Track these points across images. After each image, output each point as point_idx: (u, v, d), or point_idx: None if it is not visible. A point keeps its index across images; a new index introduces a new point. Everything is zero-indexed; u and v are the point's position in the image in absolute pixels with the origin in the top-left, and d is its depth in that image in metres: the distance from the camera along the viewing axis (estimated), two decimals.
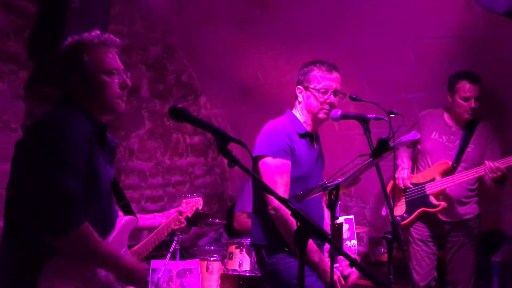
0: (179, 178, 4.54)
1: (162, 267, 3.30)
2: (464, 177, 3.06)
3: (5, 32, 3.30)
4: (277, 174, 2.25)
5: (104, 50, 1.78)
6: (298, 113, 2.44)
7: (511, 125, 3.49)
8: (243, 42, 4.11)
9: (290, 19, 3.80)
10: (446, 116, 3.28)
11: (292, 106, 2.49)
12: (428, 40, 3.46)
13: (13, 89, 3.33)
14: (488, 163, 2.92)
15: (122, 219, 1.87)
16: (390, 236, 1.98)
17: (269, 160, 2.27)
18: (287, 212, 2.16)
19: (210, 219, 3.84)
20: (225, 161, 1.58)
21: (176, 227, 2.34)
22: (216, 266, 3.56)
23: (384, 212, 3.37)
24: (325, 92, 2.36)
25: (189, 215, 2.57)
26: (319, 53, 3.86)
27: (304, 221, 1.55)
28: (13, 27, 3.33)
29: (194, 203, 2.66)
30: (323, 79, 2.37)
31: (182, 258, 3.57)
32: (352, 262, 1.55)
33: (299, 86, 2.43)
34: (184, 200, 2.63)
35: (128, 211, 1.94)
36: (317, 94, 2.36)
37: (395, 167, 3.40)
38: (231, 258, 3.38)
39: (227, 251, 3.46)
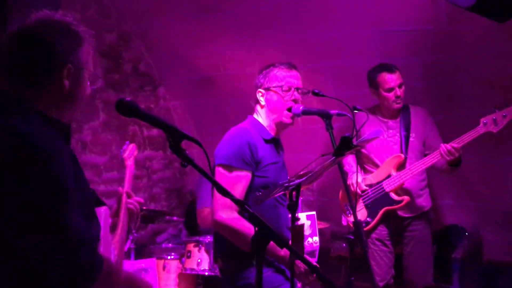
0: (136, 172, 4.36)
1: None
2: (422, 165, 3.03)
3: None
4: (228, 185, 2.10)
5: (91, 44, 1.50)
6: (261, 118, 2.33)
7: (465, 121, 3.51)
8: (203, 31, 3.96)
9: (252, 8, 3.68)
10: (378, 113, 3.25)
11: (252, 111, 2.37)
12: (393, 33, 3.42)
13: None
14: (444, 146, 2.89)
15: (99, 212, 1.68)
16: (352, 237, 1.90)
17: (223, 170, 2.16)
18: (230, 220, 2.08)
19: (168, 217, 3.69)
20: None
21: (136, 219, 2.14)
22: (173, 265, 3.43)
23: (344, 221, 3.29)
24: (288, 90, 2.27)
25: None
26: (280, 44, 3.78)
27: (262, 225, 1.44)
28: None
29: (132, 152, 2.48)
30: (284, 77, 2.28)
31: (138, 257, 3.42)
32: (313, 270, 1.46)
33: (259, 90, 2.32)
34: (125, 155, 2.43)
35: (97, 201, 1.78)
36: (280, 92, 2.26)
37: (344, 174, 3.33)
38: (189, 257, 3.26)
39: (185, 249, 3.33)
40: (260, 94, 2.32)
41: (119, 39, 4.23)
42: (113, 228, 1.96)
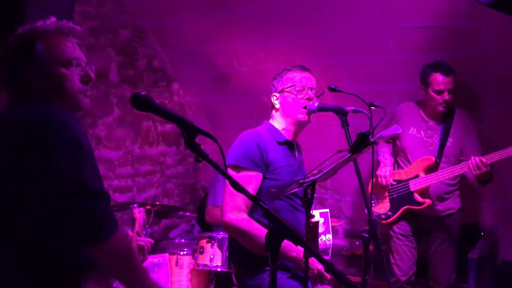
0: (149, 167, 4.37)
1: None
2: (449, 174, 3.02)
3: None
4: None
5: (61, 38, 1.53)
6: (277, 122, 2.33)
7: (486, 119, 3.45)
8: (218, 27, 3.95)
9: (267, 5, 3.66)
10: (421, 109, 3.22)
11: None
12: (409, 29, 3.38)
13: None
14: (473, 158, 2.86)
15: None
16: (366, 235, 1.88)
17: (232, 170, 2.16)
18: (239, 222, 2.08)
19: (181, 212, 3.69)
20: None
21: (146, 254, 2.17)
22: (186, 261, 3.42)
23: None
24: (302, 90, 2.27)
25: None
26: (296, 41, 3.75)
27: (277, 221, 1.43)
28: None
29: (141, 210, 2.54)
30: (297, 78, 2.29)
31: (150, 252, 3.42)
32: (327, 267, 1.44)
33: (274, 94, 2.34)
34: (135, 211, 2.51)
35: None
36: (294, 92, 2.27)
37: (377, 164, 3.34)
38: (202, 253, 3.25)
39: (198, 245, 3.32)
40: (274, 98, 2.33)
41: (134, 35, 4.24)
42: None
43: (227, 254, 3.10)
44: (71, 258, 1.38)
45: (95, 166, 1.43)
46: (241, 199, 2.10)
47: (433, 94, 3.08)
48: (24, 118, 1.39)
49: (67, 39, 1.54)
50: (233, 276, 2.34)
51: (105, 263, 1.40)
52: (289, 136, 2.30)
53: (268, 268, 2.08)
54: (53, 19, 1.55)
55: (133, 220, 2.29)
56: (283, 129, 2.31)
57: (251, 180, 2.14)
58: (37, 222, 1.34)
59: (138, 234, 2.07)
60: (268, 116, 2.39)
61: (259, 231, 2.05)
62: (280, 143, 2.26)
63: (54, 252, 1.36)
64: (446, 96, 3.05)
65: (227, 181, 2.09)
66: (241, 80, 4.25)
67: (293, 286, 2.14)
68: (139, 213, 2.46)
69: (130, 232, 2.10)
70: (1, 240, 1.38)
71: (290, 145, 2.31)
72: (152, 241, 2.10)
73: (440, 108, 3.09)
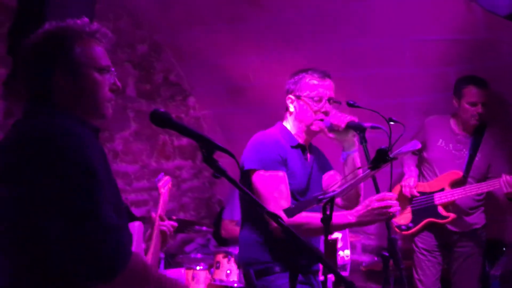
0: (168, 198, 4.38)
1: None
2: (477, 189, 2.98)
3: None
4: (273, 188, 2.08)
5: (96, 42, 1.47)
6: (289, 125, 2.28)
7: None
8: (233, 41, 3.97)
9: (282, 19, 3.67)
10: (452, 122, 3.19)
11: (282, 117, 2.34)
12: (426, 42, 3.35)
13: None
14: (505, 177, 2.81)
15: (133, 226, 1.66)
16: (386, 254, 1.84)
17: (261, 174, 2.11)
18: (295, 218, 1.93)
19: (197, 227, 3.69)
20: None
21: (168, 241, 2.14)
22: (202, 276, 3.41)
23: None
24: (319, 101, 2.20)
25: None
26: (311, 54, 3.75)
27: (296, 239, 1.42)
28: None
29: (166, 183, 2.51)
30: (316, 87, 2.21)
31: (167, 266, 3.42)
32: (347, 285, 1.42)
33: (289, 96, 2.26)
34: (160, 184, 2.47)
35: (131, 216, 1.79)
36: (310, 103, 2.20)
37: (401, 175, 3.29)
38: (218, 268, 3.24)
39: (214, 260, 3.31)
40: (290, 100, 2.27)
41: (151, 49, 4.28)
42: (145, 251, 1.94)
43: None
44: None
45: (110, 191, 1.36)
46: (282, 200, 2.06)
47: (466, 106, 3.06)
48: (40, 137, 1.31)
49: (100, 44, 1.50)
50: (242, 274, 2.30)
51: None
52: (301, 140, 2.27)
53: (277, 269, 2.09)
54: (86, 19, 1.49)
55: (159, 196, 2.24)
56: (296, 133, 2.27)
57: (281, 179, 2.11)
58: (47, 252, 1.27)
59: (161, 218, 2.04)
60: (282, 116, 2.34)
61: (315, 219, 1.92)
62: (293, 147, 2.23)
63: (65, 279, 1.29)
64: (480, 108, 3.03)
65: (256, 189, 2.07)
66: (256, 93, 4.25)
67: None
68: (164, 188, 2.43)
69: (153, 214, 2.07)
70: (14, 263, 1.32)
71: (303, 149, 2.28)
72: (175, 223, 2.07)
73: (473, 121, 3.06)
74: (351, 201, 2.27)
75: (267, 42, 3.87)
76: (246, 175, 2.16)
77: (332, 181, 2.34)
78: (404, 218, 3.19)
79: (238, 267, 2.31)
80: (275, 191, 2.09)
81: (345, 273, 2.98)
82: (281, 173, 2.12)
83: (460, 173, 3.05)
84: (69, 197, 1.25)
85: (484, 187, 2.95)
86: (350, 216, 2.02)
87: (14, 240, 1.30)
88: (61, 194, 1.25)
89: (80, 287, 1.29)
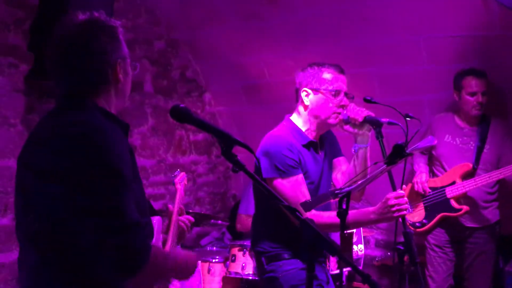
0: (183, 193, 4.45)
1: None
2: (487, 179, 2.97)
3: (6, 24, 3.20)
4: (295, 192, 2.11)
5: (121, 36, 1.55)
6: (301, 120, 2.26)
7: None
8: (249, 38, 4.01)
9: (298, 16, 3.69)
10: (456, 118, 3.21)
11: (292, 111, 2.31)
12: (441, 39, 3.35)
13: (13, 82, 3.24)
14: None
15: (152, 220, 1.70)
16: (402, 248, 1.87)
17: (279, 182, 2.13)
18: (314, 217, 1.99)
19: (213, 220, 3.74)
20: None
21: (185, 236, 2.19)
22: (218, 268, 3.47)
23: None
24: (337, 94, 2.21)
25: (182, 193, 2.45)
26: (327, 51, 3.76)
27: (314, 232, 1.45)
28: (13, 18, 3.23)
29: (182, 179, 2.56)
30: (334, 81, 2.21)
31: None
32: (364, 278, 1.45)
33: (305, 89, 2.23)
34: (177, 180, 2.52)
35: (152, 210, 1.85)
36: (329, 96, 2.21)
37: (412, 173, 3.31)
38: (233, 261, 3.30)
39: (229, 253, 3.37)
40: (305, 93, 2.23)
41: (168, 46, 4.34)
42: (163, 243, 1.99)
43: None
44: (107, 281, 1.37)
45: (136, 189, 1.40)
46: (304, 199, 2.08)
47: (467, 97, 3.09)
48: (72, 135, 1.35)
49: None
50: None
51: (140, 283, 1.42)
52: (312, 136, 2.26)
53: (285, 256, 2.13)
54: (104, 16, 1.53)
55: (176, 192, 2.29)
56: (307, 129, 2.25)
57: (300, 183, 2.14)
58: (75, 248, 1.32)
59: (180, 213, 2.06)
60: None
61: (333, 218, 1.96)
62: (304, 146, 2.22)
63: (90, 277, 1.35)
64: (480, 98, 3.06)
65: (278, 189, 2.10)
66: (271, 90, 4.28)
67: (302, 278, 2.10)
68: (180, 183, 2.47)
69: (170, 206, 2.12)
70: (43, 258, 1.37)
71: (314, 146, 2.27)
72: (192, 219, 2.10)
73: (475, 111, 3.08)
74: (355, 194, 2.29)
75: (282, 39, 3.89)
76: (266, 182, 2.18)
77: (338, 166, 2.35)
78: (417, 215, 3.20)
79: (250, 252, 2.37)
80: (298, 194, 2.11)
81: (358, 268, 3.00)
82: (297, 177, 2.14)
83: (470, 165, 3.06)
84: (97, 196, 1.30)
85: (495, 175, 2.95)
86: (372, 214, 2.06)
87: (45, 235, 1.34)
88: (90, 193, 1.30)
89: (105, 282, 1.35)
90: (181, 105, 1.53)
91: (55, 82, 1.47)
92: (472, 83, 3.07)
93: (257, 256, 2.31)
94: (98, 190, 1.30)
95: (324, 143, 2.36)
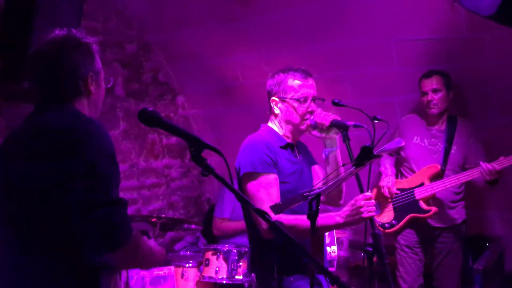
0: (154, 180, 4.40)
1: (135, 274, 3.16)
2: (455, 180, 3.02)
3: None
4: (262, 190, 2.10)
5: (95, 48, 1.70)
6: (276, 126, 2.29)
7: (490, 128, 3.46)
8: (222, 41, 4.00)
9: (272, 19, 3.70)
10: (422, 119, 3.27)
11: (266, 119, 2.35)
12: (411, 42, 3.41)
13: None
14: (485, 165, 2.87)
15: None
16: (370, 249, 1.89)
17: (251, 178, 2.12)
18: (282, 219, 2.01)
19: (186, 225, 3.71)
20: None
21: None
22: (191, 273, 3.43)
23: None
24: (305, 101, 2.22)
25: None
26: (300, 54, 3.79)
27: (284, 236, 1.45)
28: None
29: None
30: (300, 88, 2.22)
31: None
32: (333, 280, 1.46)
33: (273, 98, 2.26)
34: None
35: None
36: (296, 105, 2.22)
37: (379, 175, 3.35)
38: (207, 265, 3.26)
39: (203, 257, 3.34)
40: (274, 102, 2.26)
41: (140, 49, 4.29)
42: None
43: (232, 267, 3.11)
44: (92, 259, 1.44)
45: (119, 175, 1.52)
46: (271, 202, 2.06)
47: (422, 98, 3.20)
48: (60, 125, 1.47)
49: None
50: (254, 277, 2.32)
51: (122, 264, 1.54)
52: (289, 139, 2.29)
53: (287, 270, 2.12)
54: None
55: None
56: (284, 133, 2.28)
57: (273, 183, 2.12)
58: (62, 227, 1.41)
59: None
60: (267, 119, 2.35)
61: (304, 221, 1.96)
62: (282, 147, 2.24)
63: (76, 253, 1.42)
64: (429, 96, 3.12)
65: (249, 192, 2.10)
66: (245, 93, 4.28)
67: None
68: None
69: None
70: (28, 241, 1.44)
71: (292, 147, 2.30)
72: None
73: (431, 110, 3.16)
74: (333, 198, 2.32)
75: (256, 42, 3.90)
76: (241, 180, 2.18)
77: (316, 175, 2.38)
78: (387, 216, 3.24)
79: (250, 272, 2.35)
80: (263, 194, 2.11)
81: (332, 269, 3.01)
82: (272, 176, 2.13)
83: (438, 167, 3.11)
84: (92, 177, 1.40)
85: (463, 177, 3.00)
86: (337, 217, 2.06)
87: (31, 214, 1.42)
88: (84, 174, 1.40)
89: (92, 260, 1.43)
90: (149, 109, 1.52)
91: (33, 90, 1.59)
92: (422, 84, 3.18)
93: (256, 274, 2.29)
94: (94, 172, 1.40)
95: (300, 151, 2.39)
